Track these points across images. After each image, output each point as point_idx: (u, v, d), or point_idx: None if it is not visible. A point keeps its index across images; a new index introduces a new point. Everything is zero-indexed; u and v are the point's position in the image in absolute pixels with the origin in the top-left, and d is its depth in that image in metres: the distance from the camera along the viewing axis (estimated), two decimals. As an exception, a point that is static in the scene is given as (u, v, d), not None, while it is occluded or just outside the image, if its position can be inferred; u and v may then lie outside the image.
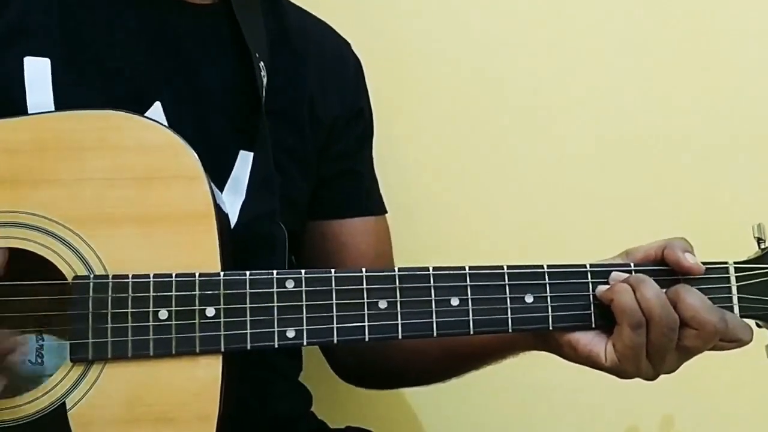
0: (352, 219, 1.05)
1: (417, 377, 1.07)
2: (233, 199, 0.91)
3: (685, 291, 0.80)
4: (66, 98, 0.87)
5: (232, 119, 0.95)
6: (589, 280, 0.82)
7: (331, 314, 0.79)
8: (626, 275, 0.82)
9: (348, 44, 1.09)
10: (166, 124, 0.86)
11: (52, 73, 0.88)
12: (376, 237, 1.07)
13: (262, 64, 0.95)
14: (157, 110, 0.90)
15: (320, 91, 1.01)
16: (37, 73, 0.87)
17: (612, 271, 0.83)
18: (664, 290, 0.80)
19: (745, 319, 0.84)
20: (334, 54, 1.06)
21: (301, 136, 0.99)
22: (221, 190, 0.90)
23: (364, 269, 0.80)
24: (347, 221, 1.05)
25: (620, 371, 0.82)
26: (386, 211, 1.09)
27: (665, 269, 0.83)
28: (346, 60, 1.07)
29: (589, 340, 0.83)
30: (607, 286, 0.82)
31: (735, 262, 0.85)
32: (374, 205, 1.08)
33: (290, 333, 0.78)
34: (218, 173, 0.88)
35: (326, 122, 1.01)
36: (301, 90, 1.00)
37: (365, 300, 0.79)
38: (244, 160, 0.93)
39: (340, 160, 1.04)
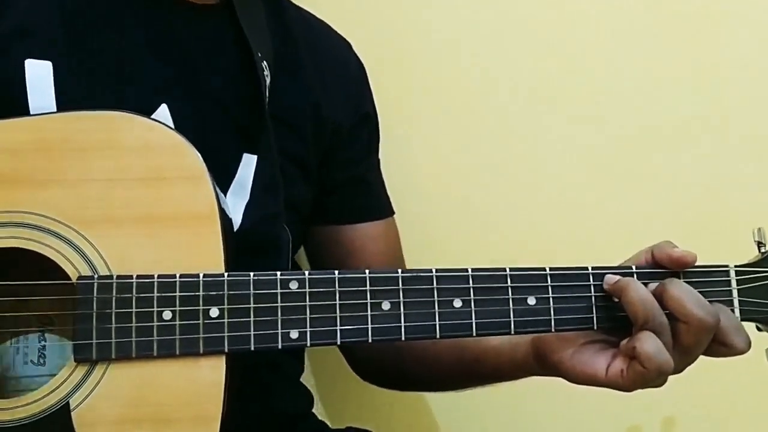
0: (362, 224, 1.06)
1: (431, 383, 1.07)
2: (237, 202, 0.91)
3: (669, 283, 0.79)
4: (68, 101, 0.86)
5: (236, 121, 0.94)
6: (591, 282, 0.82)
7: (334, 315, 0.79)
8: (617, 278, 0.81)
9: (350, 45, 1.08)
10: (171, 125, 0.86)
11: (54, 76, 0.87)
12: (386, 239, 1.07)
13: (265, 63, 0.94)
14: (163, 113, 0.89)
15: (324, 94, 1.00)
16: (39, 76, 0.87)
17: (611, 274, 0.82)
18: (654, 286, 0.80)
19: (746, 323, 0.83)
20: (336, 56, 1.05)
21: (304, 140, 0.99)
22: (225, 192, 0.90)
23: (367, 270, 0.80)
24: (357, 226, 1.06)
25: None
26: (394, 212, 1.10)
27: (666, 271, 0.82)
28: (349, 62, 1.07)
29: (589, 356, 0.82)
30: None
31: (736, 266, 0.85)
32: (383, 208, 1.09)
33: (294, 334, 0.78)
34: (222, 176, 0.87)
35: (330, 126, 1.01)
36: (304, 93, 0.99)
37: (368, 301, 0.79)
38: (248, 163, 0.93)
39: (348, 167, 1.04)
